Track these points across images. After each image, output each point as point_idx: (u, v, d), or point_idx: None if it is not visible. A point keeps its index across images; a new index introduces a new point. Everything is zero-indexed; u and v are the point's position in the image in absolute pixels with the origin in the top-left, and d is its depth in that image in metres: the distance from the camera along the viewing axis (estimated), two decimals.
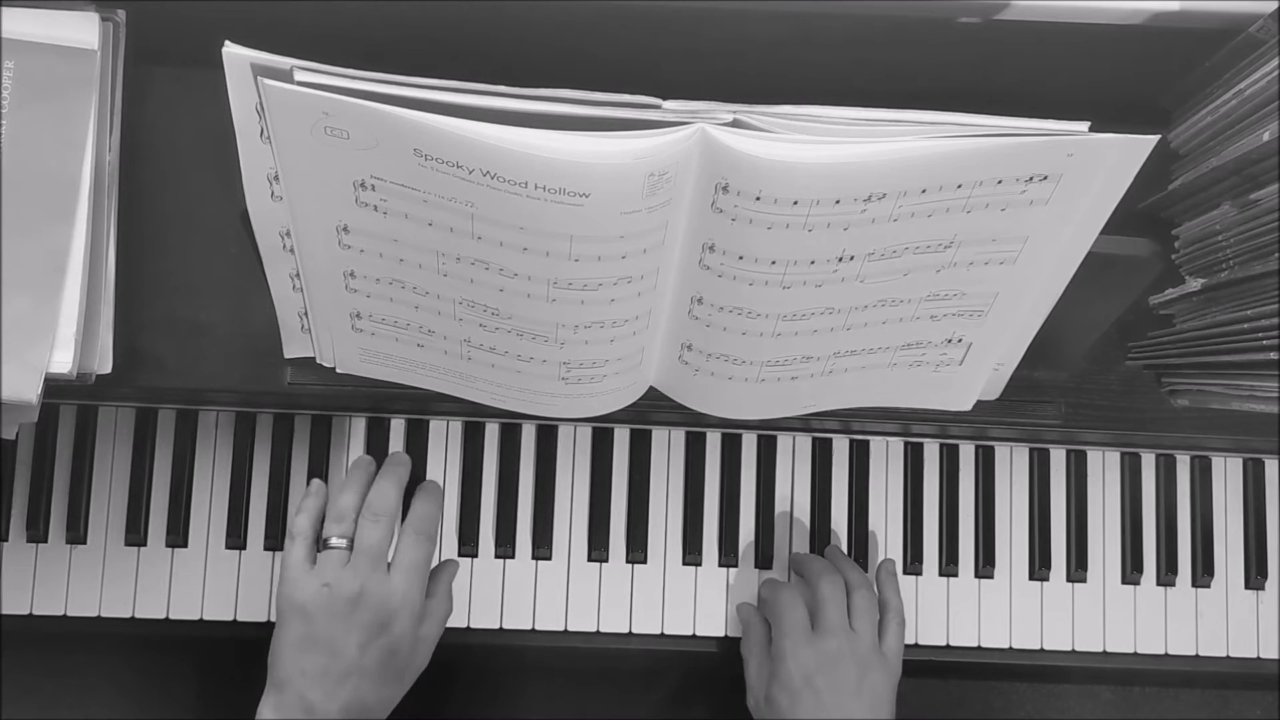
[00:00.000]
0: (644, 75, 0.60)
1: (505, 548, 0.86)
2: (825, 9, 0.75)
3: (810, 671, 0.75)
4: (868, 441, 0.90)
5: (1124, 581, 0.90)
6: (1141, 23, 0.76)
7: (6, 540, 0.84)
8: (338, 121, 0.57)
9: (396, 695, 0.74)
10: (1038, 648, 0.88)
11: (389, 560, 0.74)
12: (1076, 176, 0.60)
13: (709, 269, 0.65)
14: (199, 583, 0.84)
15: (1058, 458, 0.91)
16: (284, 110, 0.57)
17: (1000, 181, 0.60)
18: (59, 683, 0.88)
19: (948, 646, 0.88)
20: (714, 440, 0.89)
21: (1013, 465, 0.90)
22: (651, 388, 0.79)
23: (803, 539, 0.88)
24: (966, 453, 0.90)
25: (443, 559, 0.84)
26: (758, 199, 0.59)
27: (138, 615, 0.84)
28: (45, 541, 0.84)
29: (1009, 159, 0.59)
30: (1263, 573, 0.90)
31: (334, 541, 0.74)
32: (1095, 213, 0.63)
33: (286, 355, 0.78)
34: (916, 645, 0.87)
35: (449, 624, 0.84)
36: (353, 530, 0.74)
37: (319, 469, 0.86)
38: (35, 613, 0.83)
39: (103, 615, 0.83)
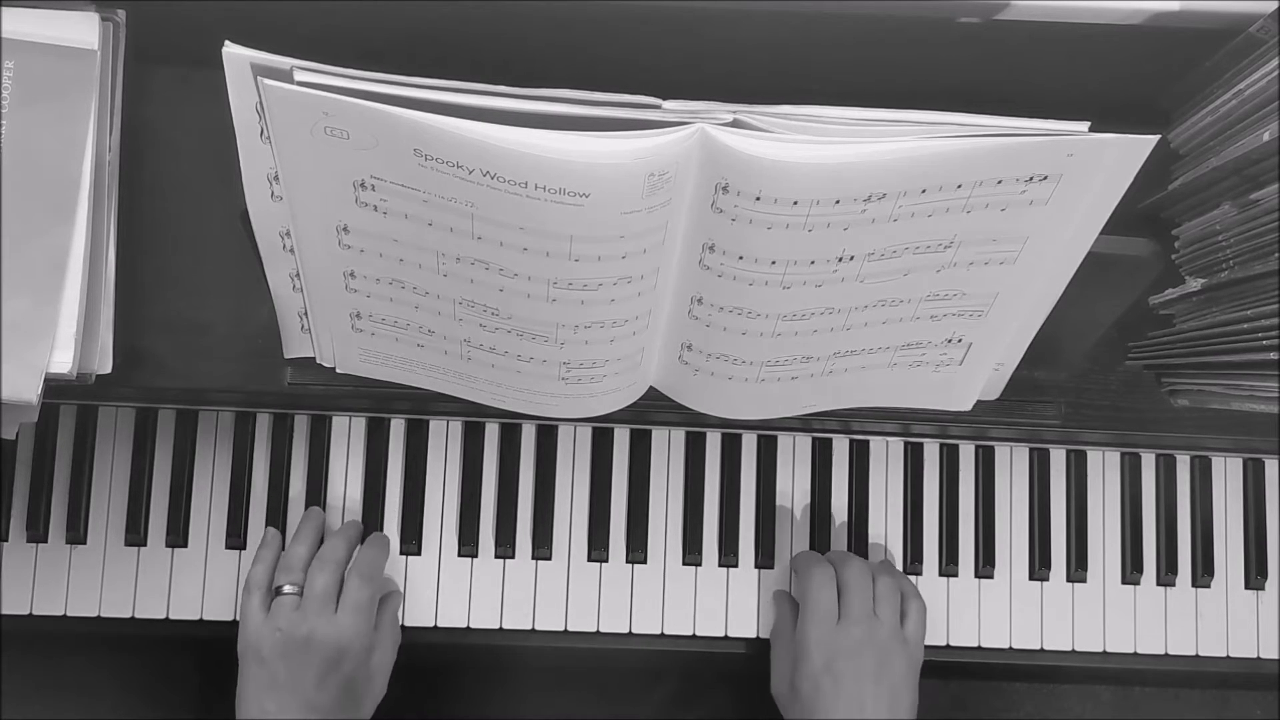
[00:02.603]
0: (644, 75, 0.60)
1: (505, 548, 0.86)
2: (825, 9, 0.75)
3: (831, 657, 0.76)
4: (868, 441, 0.90)
5: (1124, 581, 0.90)
6: (1141, 23, 0.76)
7: (6, 540, 0.84)
8: (337, 121, 0.57)
9: None
10: (1038, 648, 0.88)
11: (336, 603, 0.77)
12: (1076, 176, 0.60)
13: (709, 269, 0.65)
14: (199, 583, 0.84)
15: (1058, 458, 0.91)
16: (284, 110, 0.57)
17: (1000, 181, 0.60)
18: (59, 683, 0.88)
19: (948, 646, 0.88)
20: (714, 440, 0.89)
21: (1013, 465, 0.90)
22: (651, 388, 0.79)
23: (803, 539, 0.88)
24: (966, 453, 0.90)
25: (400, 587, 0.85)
26: (758, 199, 0.59)
27: (138, 615, 0.84)
28: (45, 541, 0.84)
29: (1009, 159, 0.59)
30: (1263, 573, 0.90)
31: (286, 589, 0.78)
32: (1095, 213, 0.63)
33: (286, 355, 0.78)
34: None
35: (449, 624, 0.85)
36: (302, 579, 0.78)
37: (319, 469, 0.86)
38: (35, 613, 0.83)
39: (103, 615, 0.83)
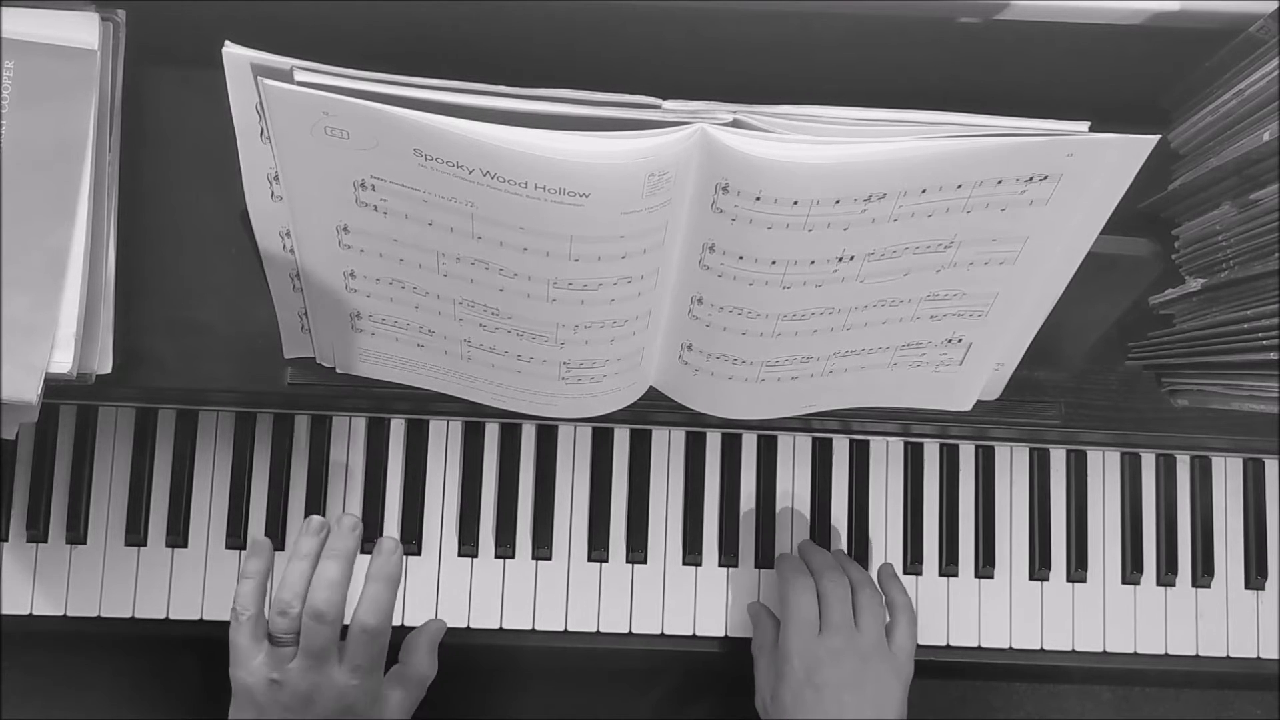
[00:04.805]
0: (644, 75, 0.60)
1: (505, 548, 0.86)
2: (825, 9, 0.75)
3: (812, 668, 0.75)
4: (868, 441, 0.90)
5: (1124, 581, 0.90)
6: (1141, 23, 0.77)
7: (6, 540, 0.84)
8: (337, 121, 0.57)
9: None
10: (1038, 648, 0.88)
11: (339, 653, 0.70)
12: (1076, 176, 0.60)
13: (709, 269, 0.65)
14: (199, 583, 0.84)
15: (1058, 458, 0.91)
16: (284, 110, 0.57)
17: (1000, 181, 0.60)
18: (59, 683, 0.88)
19: (948, 646, 0.88)
20: (714, 440, 0.89)
21: (1013, 465, 0.90)
22: (651, 388, 0.79)
23: (803, 539, 0.88)
24: (966, 453, 0.90)
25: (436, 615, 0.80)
26: (758, 199, 0.59)
27: (138, 615, 0.84)
28: (45, 541, 0.84)
29: (1009, 159, 0.59)
30: (1263, 573, 0.90)
31: (279, 638, 0.70)
32: (1095, 213, 0.63)
33: (286, 355, 0.78)
34: (917, 645, 0.87)
35: (449, 624, 0.84)
36: (298, 625, 0.69)
37: (319, 469, 0.86)
38: (35, 613, 0.83)
39: (103, 615, 0.83)
